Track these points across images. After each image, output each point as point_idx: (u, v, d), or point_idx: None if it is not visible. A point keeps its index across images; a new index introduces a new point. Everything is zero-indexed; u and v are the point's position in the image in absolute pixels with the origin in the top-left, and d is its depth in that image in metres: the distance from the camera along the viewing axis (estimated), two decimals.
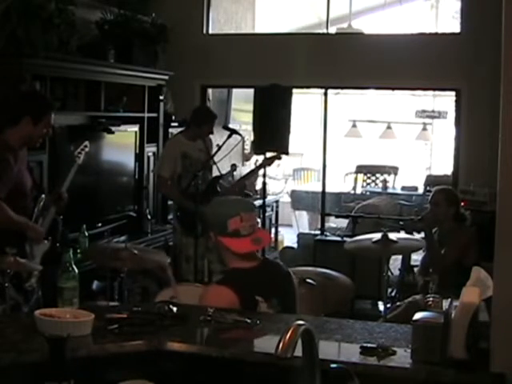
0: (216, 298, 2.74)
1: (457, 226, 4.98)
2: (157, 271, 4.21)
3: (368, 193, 10.07)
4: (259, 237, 2.90)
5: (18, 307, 3.74)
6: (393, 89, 8.93)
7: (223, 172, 6.01)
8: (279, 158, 6.08)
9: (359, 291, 5.35)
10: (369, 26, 10.09)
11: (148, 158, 6.61)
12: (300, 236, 7.83)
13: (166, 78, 6.80)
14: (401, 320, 3.15)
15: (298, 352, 1.83)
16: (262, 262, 2.94)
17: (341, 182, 11.12)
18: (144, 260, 4.10)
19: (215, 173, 6.02)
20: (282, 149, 6.13)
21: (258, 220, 6.42)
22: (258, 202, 7.07)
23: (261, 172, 6.22)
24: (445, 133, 10.73)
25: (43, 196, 4.28)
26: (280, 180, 11.58)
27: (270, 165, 6.08)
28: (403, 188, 9.88)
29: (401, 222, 6.46)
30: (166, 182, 5.82)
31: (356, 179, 10.60)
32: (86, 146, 4.53)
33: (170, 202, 6.77)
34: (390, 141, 11.95)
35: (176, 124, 6.91)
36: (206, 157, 5.84)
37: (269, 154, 6.00)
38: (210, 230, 2.90)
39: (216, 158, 5.92)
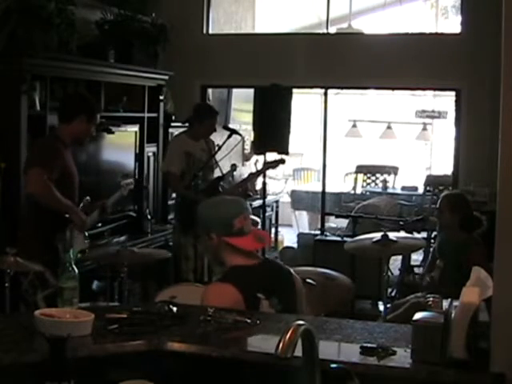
0: (220, 296, 2.72)
1: (465, 238, 4.71)
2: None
3: (368, 193, 10.07)
4: (260, 234, 2.93)
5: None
6: (393, 89, 8.94)
7: (223, 172, 6.02)
8: (283, 163, 6.11)
9: (359, 291, 5.35)
10: (369, 25, 10.10)
11: (148, 158, 6.61)
12: (300, 236, 7.83)
13: (166, 78, 6.80)
14: (401, 320, 3.15)
15: (298, 352, 1.83)
16: (262, 261, 2.94)
17: (341, 182, 11.12)
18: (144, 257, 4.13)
19: (217, 173, 6.02)
20: (281, 149, 6.13)
21: (258, 220, 6.49)
22: (258, 202, 7.08)
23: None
24: (445, 133, 10.73)
25: (88, 198, 4.54)
26: (280, 180, 11.58)
27: (274, 168, 6.12)
28: (403, 188, 9.87)
29: (401, 222, 6.47)
30: (177, 177, 5.80)
31: (356, 179, 10.60)
32: (131, 183, 5.00)
33: (170, 202, 6.77)
34: (390, 141, 11.95)
35: (176, 124, 6.91)
36: (207, 157, 5.84)
37: (270, 156, 6.01)
38: (211, 230, 2.84)
39: (216, 158, 5.93)
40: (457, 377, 2.05)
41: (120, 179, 5.01)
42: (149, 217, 6.42)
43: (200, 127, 5.85)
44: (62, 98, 5.00)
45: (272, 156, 6.15)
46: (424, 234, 6.48)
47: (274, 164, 6.02)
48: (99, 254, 4.62)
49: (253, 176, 6.34)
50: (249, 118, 6.63)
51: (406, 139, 12.15)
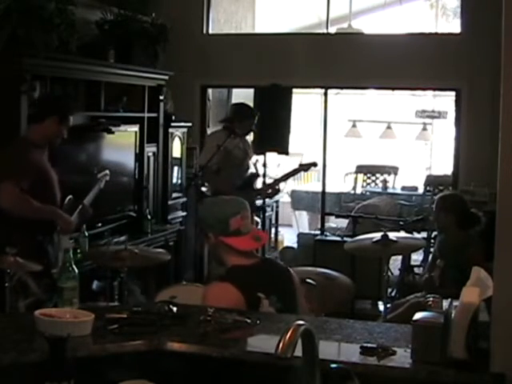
0: (221, 296, 2.73)
1: (464, 237, 4.74)
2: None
3: (368, 193, 10.08)
4: (258, 234, 2.94)
5: (40, 303, 3.76)
6: (393, 89, 8.93)
7: (258, 171, 6.19)
8: (315, 165, 6.48)
9: (359, 291, 5.34)
10: (369, 25, 10.09)
11: (148, 158, 6.60)
12: (300, 236, 7.83)
13: (166, 78, 6.79)
14: (401, 320, 3.14)
15: (298, 352, 1.83)
16: (260, 260, 2.95)
17: (341, 182, 11.12)
18: (144, 259, 4.12)
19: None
20: (282, 149, 6.15)
21: (258, 220, 6.51)
22: (258, 202, 7.08)
23: (260, 172, 6.25)
24: (445, 133, 10.73)
25: (71, 197, 4.50)
26: None
27: (306, 170, 6.48)
28: (403, 188, 9.88)
29: (401, 222, 6.47)
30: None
31: (356, 179, 10.61)
32: (106, 175, 4.96)
33: (170, 202, 6.77)
34: (390, 141, 11.96)
35: (176, 124, 6.91)
36: (243, 156, 5.97)
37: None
38: (209, 230, 2.89)
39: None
40: (457, 377, 2.05)
41: (96, 172, 4.99)
42: (149, 217, 6.41)
43: (239, 126, 5.94)
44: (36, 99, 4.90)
45: (272, 156, 6.21)
46: (424, 234, 6.48)
47: (306, 166, 6.33)
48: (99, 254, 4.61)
49: (286, 177, 6.41)
50: None
51: (405, 139, 12.16)
